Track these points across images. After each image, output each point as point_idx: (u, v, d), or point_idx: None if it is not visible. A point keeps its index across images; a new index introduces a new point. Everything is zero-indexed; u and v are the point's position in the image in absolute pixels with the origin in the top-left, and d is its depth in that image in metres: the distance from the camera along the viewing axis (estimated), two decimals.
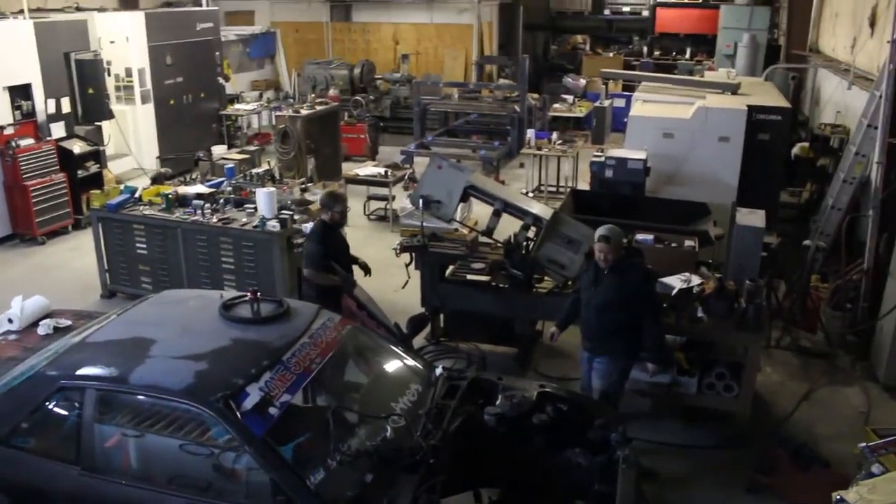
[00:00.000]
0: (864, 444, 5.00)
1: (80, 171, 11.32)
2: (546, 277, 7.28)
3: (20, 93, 11.00)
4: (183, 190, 8.85)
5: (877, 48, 10.30)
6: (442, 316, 7.96)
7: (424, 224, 7.54)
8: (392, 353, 5.29)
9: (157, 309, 5.30)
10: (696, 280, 6.74)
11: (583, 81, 20.15)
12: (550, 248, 7.01)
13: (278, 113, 13.67)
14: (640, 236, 7.45)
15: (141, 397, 4.41)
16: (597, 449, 4.81)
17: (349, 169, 12.65)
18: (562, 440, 4.87)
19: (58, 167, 10.96)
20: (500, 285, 7.34)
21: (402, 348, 5.39)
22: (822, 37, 15.04)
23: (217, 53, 15.50)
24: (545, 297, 7.28)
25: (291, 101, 17.00)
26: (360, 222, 11.87)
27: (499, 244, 7.56)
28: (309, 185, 9.47)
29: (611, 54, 22.88)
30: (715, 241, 7.98)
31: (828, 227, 9.38)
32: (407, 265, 7.70)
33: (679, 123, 9.89)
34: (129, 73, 13.55)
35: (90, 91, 12.17)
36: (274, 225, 7.88)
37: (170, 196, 8.47)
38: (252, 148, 13.83)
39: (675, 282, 6.59)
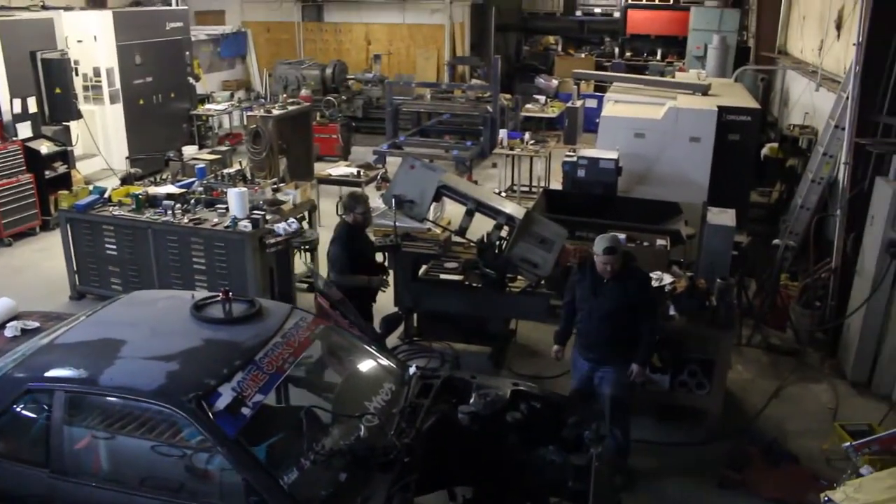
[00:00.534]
0: (847, 444, 5.07)
1: (47, 172, 11.17)
2: (519, 276, 7.31)
3: None
4: (153, 190, 8.77)
5: (843, 50, 10.46)
6: (415, 315, 7.96)
7: (397, 224, 7.54)
8: (365, 353, 5.28)
9: (128, 310, 5.25)
10: (667, 279, 6.81)
11: (555, 82, 20.27)
12: (523, 248, 7.03)
13: (249, 113, 13.52)
14: None
15: (111, 399, 4.36)
16: (570, 447, 4.85)
17: (321, 169, 12.59)
18: (535, 438, 4.89)
19: (24, 168, 10.81)
20: (474, 284, 7.36)
21: (376, 347, 5.38)
22: (791, 39, 15.26)
23: (187, 53, 15.37)
24: (518, 297, 7.31)
25: (263, 101, 16.88)
26: (333, 222, 11.66)
27: (472, 244, 7.59)
28: (281, 185, 9.41)
29: (582, 55, 23.00)
30: (686, 240, 8.07)
31: (797, 226, 9.52)
32: (381, 265, 7.69)
33: (650, 124, 9.98)
34: (97, 72, 13.38)
35: (57, 91, 12.00)
36: (246, 225, 7.84)
37: (140, 196, 8.39)
38: (223, 148, 13.70)
39: None
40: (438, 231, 8.20)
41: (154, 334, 4.81)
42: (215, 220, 8.09)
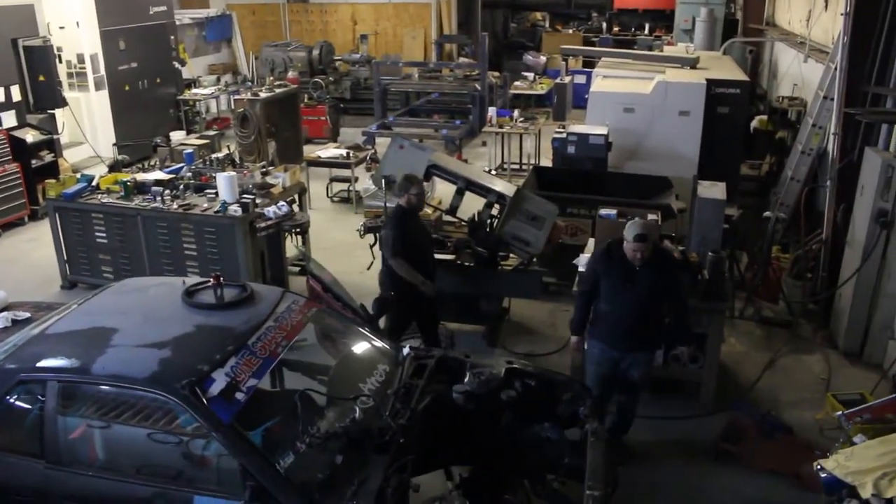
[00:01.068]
0: (840, 413, 5.10)
1: (34, 161, 11.09)
2: (511, 254, 7.30)
3: None
4: (141, 177, 8.71)
5: (831, 21, 10.43)
6: None
7: (388, 204, 7.51)
8: (359, 335, 5.27)
9: (119, 298, 5.22)
10: None
11: (543, 58, 20.17)
12: (514, 225, 7.03)
13: (237, 97, 13.43)
14: (603, 211, 7.49)
15: (104, 387, 4.34)
16: (566, 423, 4.86)
17: (310, 151, 12.56)
18: (531, 416, 4.90)
19: (10, 157, 10.72)
20: (466, 263, 7.35)
21: (369, 329, 5.37)
22: (778, 10, 15.21)
23: (172, 37, 15.23)
24: (511, 274, 7.31)
25: (250, 84, 16.79)
26: (323, 205, 11.82)
27: (463, 223, 7.58)
28: (270, 168, 9.35)
29: (570, 31, 22.90)
30: (677, 214, 8.07)
31: (787, 198, 9.53)
32: (371, 246, 7.68)
33: (639, 98, 9.95)
34: (81, 59, 13.24)
35: (41, 78, 11.90)
36: (236, 209, 7.80)
37: (128, 183, 8.33)
38: (211, 133, 13.58)
39: None
40: (429, 211, 8.17)
41: (146, 321, 4.78)
42: (205, 205, 8.04)
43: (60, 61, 12.91)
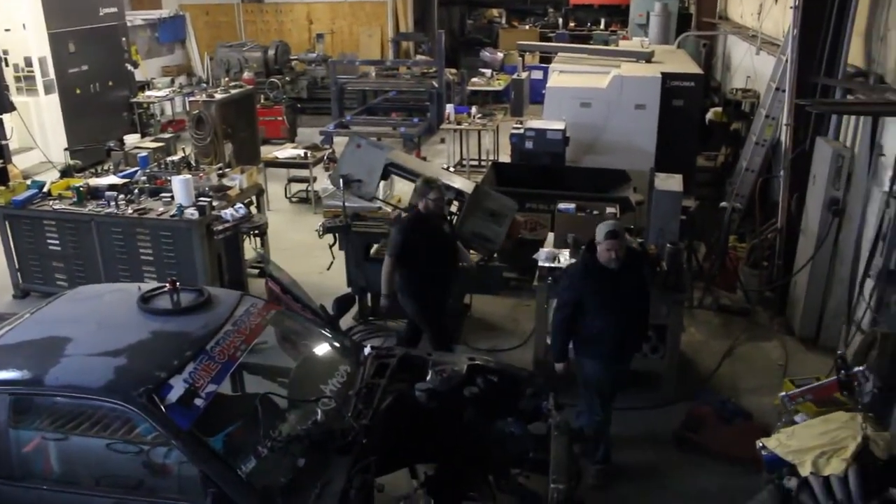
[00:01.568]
0: (783, 394, 5.20)
1: None
2: (472, 251, 7.30)
3: None
4: (95, 182, 8.53)
5: (781, 14, 10.57)
6: (369, 295, 7.92)
7: (346, 204, 7.48)
8: (319, 336, 5.24)
9: (72, 306, 5.11)
10: None
11: (500, 55, 20.20)
12: (474, 222, 7.03)
13: (192, 98, 13.34)
14: (561, 205, 7.51)
15: (59, 398, 4.25)
16: (529, 418, 4.87)
17: (268, 152, 12.47)
18: (494, 411, 4.91)
19: None
20: None
21: (329, 330, 5.33)
22: (731, 4, 15.40)
23: (123, 39, 14.96)
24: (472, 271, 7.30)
25: (205, 85, 16.51)
26: (281, 206, 11.74)
27: None
28: (226, 170, 9.23)
29: (527, 27, 22.96)
30: (635, 207, 8.13)
31: (743, 188, 9.67)
32: (331, 246, 7.65)
33: (596, 93, 10.01)
34: (28, 62, 12.95)
35: None
36: (192, 213, 7.69)
37: (81, 189, 8.16)
38: (166, 135, 13.41)
39: None
40: (388, 209, 8.14)
41: (100, 329, 4.68)
42: (160, 209, 7.91)
43: (7, 65, 12.65)
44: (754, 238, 8.78)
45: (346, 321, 7.27)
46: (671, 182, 7.20)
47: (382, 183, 7.77)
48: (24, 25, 12.81)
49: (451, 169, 12.52)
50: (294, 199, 12.05)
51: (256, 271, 8.83)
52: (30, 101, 13.00)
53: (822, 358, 7.20)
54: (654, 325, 6.50)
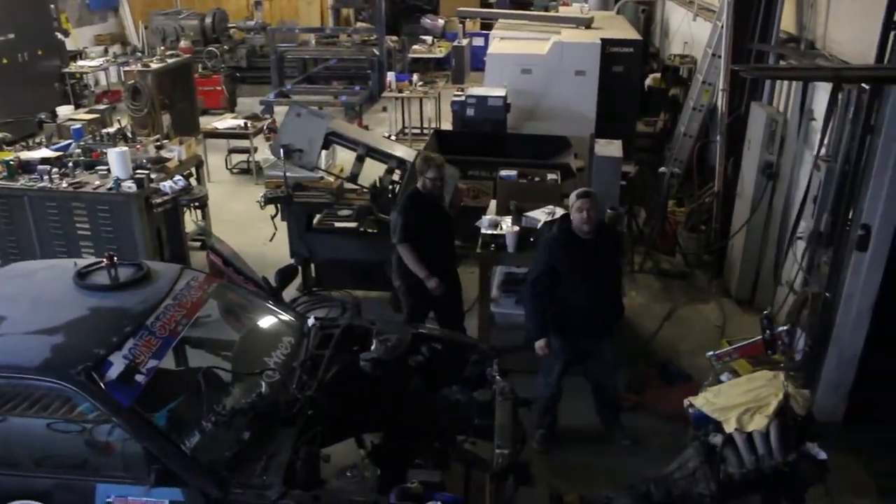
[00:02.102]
0: (710, 353, 5.33)
1: None
2: None
3: None
4: (26, 155, 8.25)
5: None
6: (312, 266, 7.88)
7: (288, 174, 7.39)
8: (262, 308, 5.18)
9: (5, 284, 4.94)
10: (560, 212, 6.90)
11: (441, 21, 20.05)
12: None
13: (127, 68, 12.97)
14: (503, 172, 7.53)
15: None
16: (474, 385, 4.91)
17: (207, 123, 12.27)
18: (439, 379, 4.93)
19: None
20: (369, 230, 7.34)
21: (272, 302, 5.28)
22: None
23: (52, 6, 14.46)
24: None
25: (140, 55, 16.14)
26: (222, 177, 11.55)
27: (365, 189, 7.52)
28: (164, 141, 9.05)
29: None
30: (576, 173, 8.19)
31: (681, 153, 9.80)
32: (273, 217, 7.57)
33: (536, 59, 10.01)
34: None
35: None
36: (130, 186, 7.49)
37: (11, 163, 7.87)
38: (101, 107, 13.00)
39: (540, 215, 6.73)
40: (331, 179, 8.07)
41: (36, 307, 4.54)
42: (97, 182, 7.69)
43: None
44: (692, 202, 8.93)
45: (289, 292, 7.22)
46: (611, 148, 7.27)
47: (324, 152, 7.71)
48: None
49: (393, 137, 12.47)
50: (235, 171, 11.88)
51: (198, 244, 8.70)
52: None
53: (756, 318, 7.31)
54: None
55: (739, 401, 4.46)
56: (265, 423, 4.11)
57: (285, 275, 5.53)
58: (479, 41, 17.53)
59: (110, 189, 7.53)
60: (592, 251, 5.24)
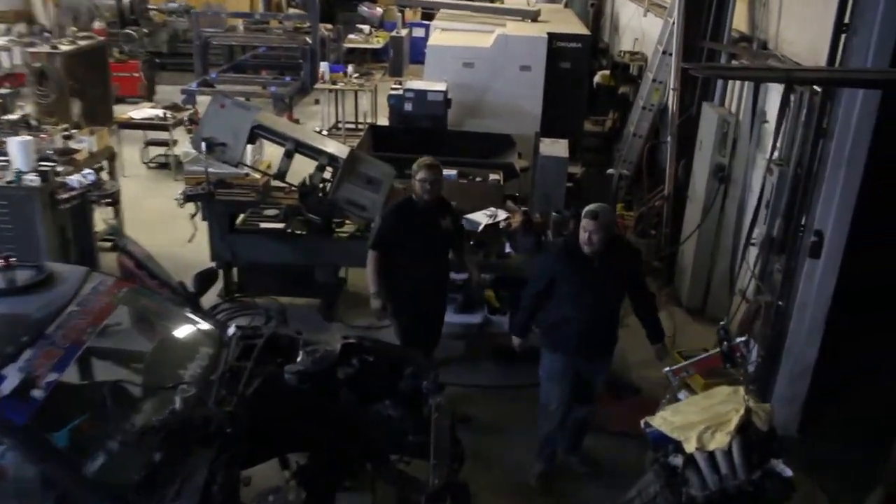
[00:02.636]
0: (667, 368, 5.36)
1: None
2: (347, 221, 7.23)
3: None
4: None
5: None
6: (235, 270, 7.75)
7: (209, 170, 7.24)
8: (178, 316, 5.04)
9: None
10: (502, 214, 6.91)
11: (379, 10, 20.06)
12: (349, 189, 6.95)
13: (33, 49, 12.66)
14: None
15: None
16: (409, 400, 4.84)
17: (122, 112, 12.08)
18: (371, 394, 4.86)
19: None
20: (297, 232, 7.29)
21: (189, 309, 5.14)
22: None
23: None
24: (347, 242, 7.26)
25: (48, 35, 15.67)
26: (138, 171, 11.33)
27: (293, 188, 7.42)
28: (73, 131, 8.82)
29: None
30: (520, 174, 8.22)
31: (630, 154, 9.92)
32: (192, 216, 7.41)
33: (479, 52, 10.04)
34: None
35: None
36: (32, 179, 7.28)
37: None
38: (2, 91, 12.65)
39: (481, 217, 6.74)
40: (257, 176, 7.93)
41: None
42: None
43: None
44: (642, 206, 9.03)
45: (209, 298, 7.05)
46: (557, 147, 7.31)
47: (250, 147, 7.58)
48: None
49: (325, 132, 12.41)
50: (152, 165, 11.66)
51: (108, 245, 8.46)
52: None
53: (708, 328, 7.43)
54: None
55: (699, 418, 4.47)
56: (179, 443, 3.98)
57: (205, 279, 5.40)
58: (419, 32, 17.55)
59: (10, 182, 7.32)
60: (594, 268, 5.13)
